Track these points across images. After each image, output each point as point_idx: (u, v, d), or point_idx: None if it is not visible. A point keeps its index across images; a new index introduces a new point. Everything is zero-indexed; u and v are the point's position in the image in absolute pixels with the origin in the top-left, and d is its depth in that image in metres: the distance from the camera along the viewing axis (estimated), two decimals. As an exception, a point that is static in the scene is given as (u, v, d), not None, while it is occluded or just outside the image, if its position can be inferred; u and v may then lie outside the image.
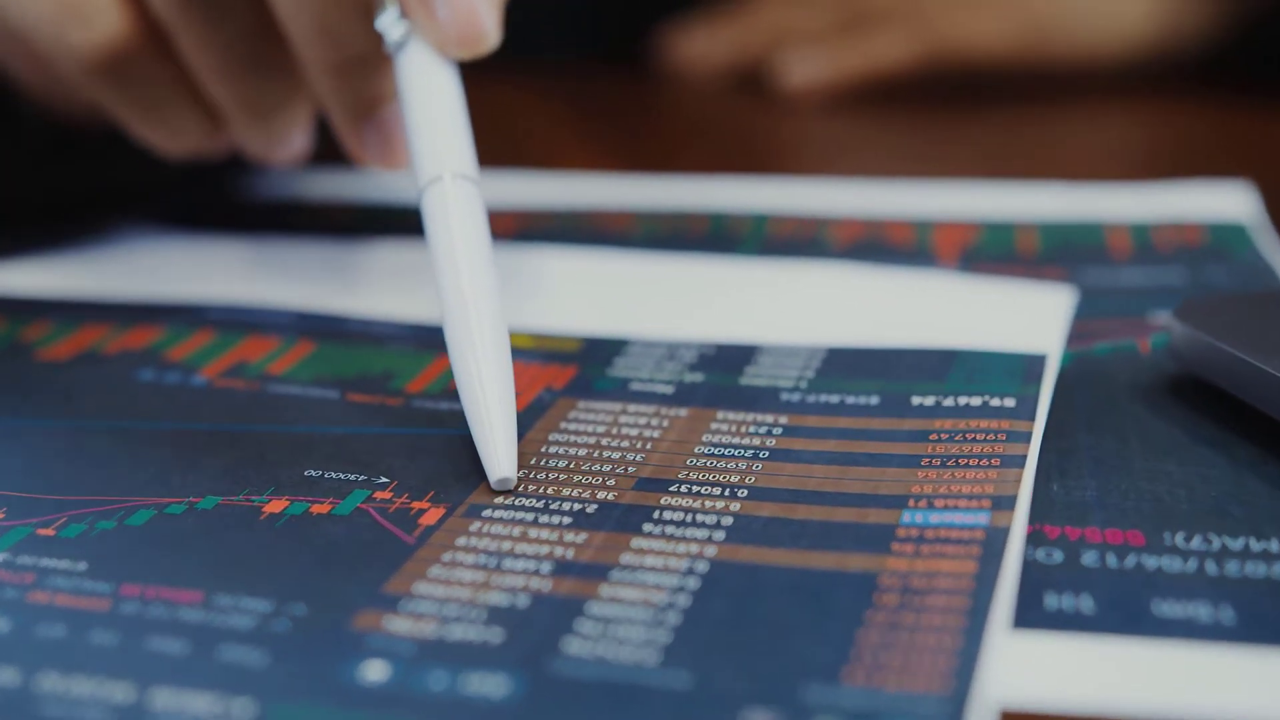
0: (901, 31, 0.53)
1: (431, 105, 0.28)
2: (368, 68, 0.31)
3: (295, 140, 0.34)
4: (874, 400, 0.26)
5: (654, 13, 0.60)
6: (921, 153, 0.47)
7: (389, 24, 0.29)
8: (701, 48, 0.58)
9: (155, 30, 0.31)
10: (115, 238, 0.37)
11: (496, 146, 0.47)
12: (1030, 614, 0.20)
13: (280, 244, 0.36)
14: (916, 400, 0.26)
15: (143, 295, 0.33)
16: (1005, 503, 0.22)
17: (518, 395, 0.26)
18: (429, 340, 0.30)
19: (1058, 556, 0.21)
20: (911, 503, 0.22)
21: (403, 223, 0.38)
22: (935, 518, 0.22)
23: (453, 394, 0.27)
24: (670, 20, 0.59)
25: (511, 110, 0.53)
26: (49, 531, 0.23)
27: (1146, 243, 0.35)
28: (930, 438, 0.25)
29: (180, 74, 0.32)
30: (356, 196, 0.41)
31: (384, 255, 0.35)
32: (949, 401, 0.26)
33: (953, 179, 0.41)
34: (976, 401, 0.26)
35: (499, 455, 0.24)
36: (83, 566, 0.21)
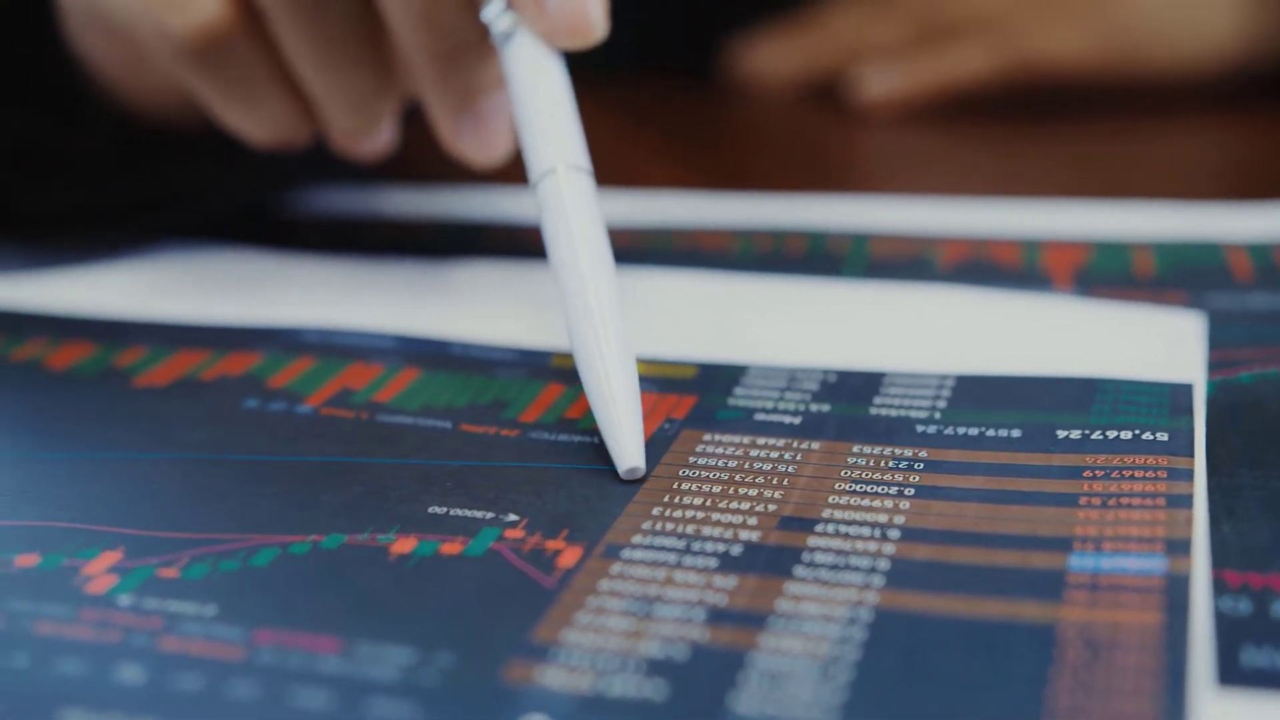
0: (981, 44, 0.52)
1: (541, 96, 0.28)
2: (470, 58, 0.31)
3: (383, 133, 0.34)
4: (1016, 433, 0.25)
5: (720, 26, 0.59)
6: (1010, 169, 0.46)
7: (495, 14, 0.29)
8: (770, 61, 0.57)
9: (253, 15, 0.31)
10: (184, 251, 0.36)
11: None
12: (1230, 672, 0.18)
13: (362, 263, 0.35)
14: (1062, 433, 0.25)
15: (232, 318, 0.32)
16: (1180, 546, 0.21)
17: None
18: (537, 366, 0.29)
19: (1245, 607, 0.20)
20: (1078, 545, 0.21)
21: (485, 242, 0.37)
22: (1106, 563, 0.21)
23: (570, 425, 0.26)
24: (737, 33, 0.58)
25: (586, 125, 0.52)
26: (172, 573, 0.21)
27: (1269, 264, 0.34)
28: (1084, 474, 0.23)
29: (275, 60, 0.32)
30: (433, 213, 0.40)
31: (475, 274, 0.34)
32: (1097, 435, 0.25)
33: (1053, 197, 0.40)
34: (1127, 435, 0.25)
35: (627, 443, 0.24)
36: (212, 611, 0.20)
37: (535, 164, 0.27)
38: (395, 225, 0.39)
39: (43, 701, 0.18)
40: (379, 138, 0.34)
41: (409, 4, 0.29)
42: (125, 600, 0.21)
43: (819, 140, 0.51)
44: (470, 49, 0.30)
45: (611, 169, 0.46)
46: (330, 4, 0.30)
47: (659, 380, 0.28)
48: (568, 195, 0.27)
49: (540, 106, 0.28)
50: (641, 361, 0.29)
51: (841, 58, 0.55)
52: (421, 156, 0.40)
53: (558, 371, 0.29)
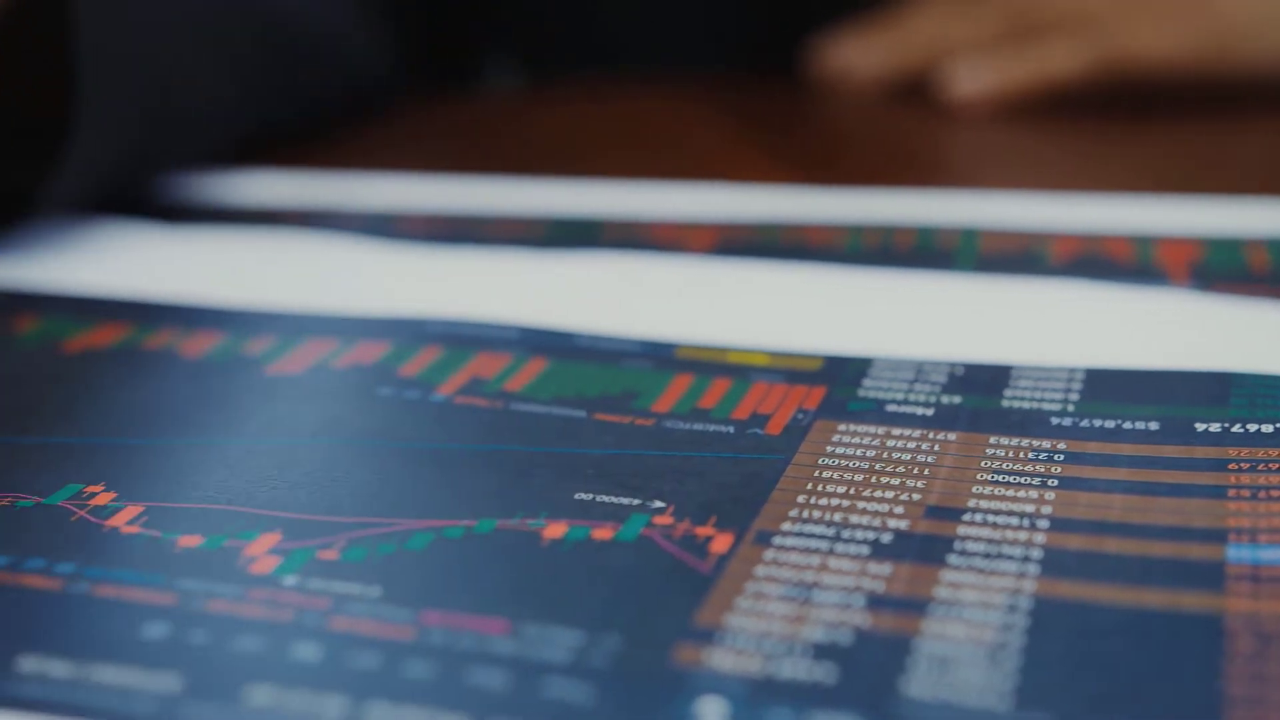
0: (1073, 41, 0.52)
1: None
2: None
3: None
4: (1154, 426, 0.25)
5: (804, 24, 0.59)
6: (1106, 165, 0.45)
7: None
8: (856, 58, 0.57)
9: None
10: (296, 240, 0.37)
11: (672, 159, 0.47)
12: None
13: (479, 254, 0.36)
14: (1201, 426, 0.25)
15: (354, 308, 0.32)
16: (1337, 539, 0.21)
17: (767, 414, 0.26)
18: (662, 358, 0.29)
19: None
20: (1233, 537, 0.21)
21: (604, 236, 0.37)
22: (1265, 554, 0.21)
23: (703, 415, 0.27)
24: (821, 31, 0.59)
25: (678, 122, 0.52)
26: (332, 555, 0.22)
27: (1386, 261, 0.34)
28: (1229, 467, 0.23)
29: None
30: (550, 208, 0.40)
31: (595, 267, 0.35)
32: (1238, 429, 0.25)
33: (1159, 192, 0.40)
34: (1269, 429, 0.25)
35: None
36: (376, 592, 0.21)
37: None
38: (511, 220, 0.40)
39: (228, 677, 0.19)
40: None
41: None
42: (290, 580, 0.21)
43: (910, 137, 0.51)
44: None
45: (709, 164, 0.46)
46: None
47: (785, 371, 0.28)
48: None
49: None
50: (766, 353, 0.29)
51: (929, 55, 0.55)
52: (548, 149, 0.40)
53: (684, 363, 0.29)
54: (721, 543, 0.22)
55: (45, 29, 0.38)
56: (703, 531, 0.22)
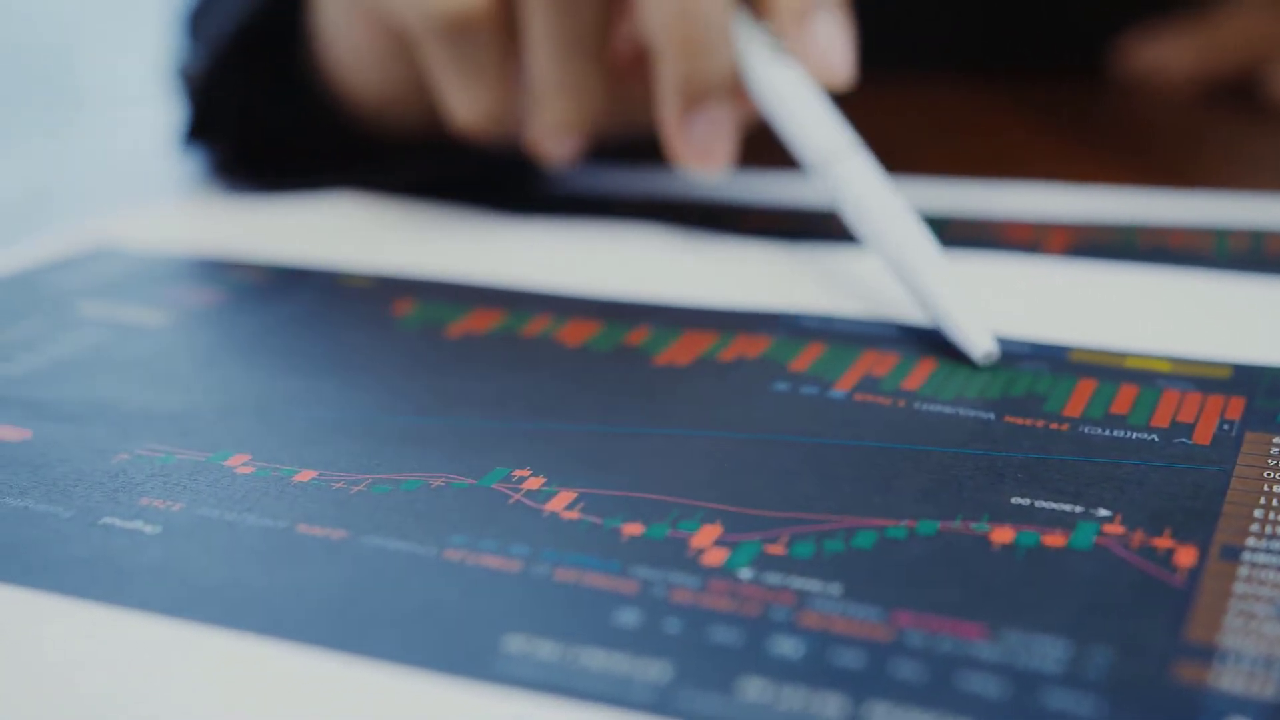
0: None
1: (806, 93, 0.33)
2: (717, 56, 0.34)
3: (576, 141, 0.37)
4: None
5: (1111, 23, 0.58)
6: None
7: (750, 33, 0.34)
8: (1171, 57, 0.55)
9: (508, 3, 0.35)
10: (637, 233, 0.37)
11: (986, 155, 0.46)
12: None
13: (813, 248, 0.35)
14: None
15: (716, 301, 0.32)
16: None
17: (1189, 425, 0.26)
18: (1057, 360, 0.28)
19: None
20: None
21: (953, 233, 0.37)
22: None
23: (1120, 421, 0.26)
24: (1130, 30, 0.57)
25: (992, 121, 0.51)
26: (779, 549, 0.22)
27: None
28: None
29: (512, 47, 0.36)
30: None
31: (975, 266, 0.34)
32: None
33: None
34: None
35: (976, 328, 0.28)
36: (837, 590, 0.20)
37: (821, 148, 0.32)
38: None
39: (718, 669, 0.19)
40: (570, 145, 0.37)
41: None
42: (746, 574, 0.21)
43: (1238, 137, 0.49)
44: (719, 47, 0.34)
45: (1037, 163, 0.45)
46: (584, 2, 0.34)
47: (1195, 379, 0.27)
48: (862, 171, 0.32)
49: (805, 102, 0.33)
50: (1170, 360, 0.28)
51: (1249, 54, 0.53)
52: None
53: (1081, 366, 0.28)
54: (1186, 556, 0.21)
55: None
56: (1160, 543, 0.21)
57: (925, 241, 0.30)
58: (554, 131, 0.37)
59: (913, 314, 0.31)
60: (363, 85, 0.41)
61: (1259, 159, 0.47)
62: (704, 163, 0.35)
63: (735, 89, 0.35)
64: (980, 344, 0.28)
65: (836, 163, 0.32)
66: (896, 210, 0.31)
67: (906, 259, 0.30)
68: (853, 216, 0.32)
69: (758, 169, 0.44)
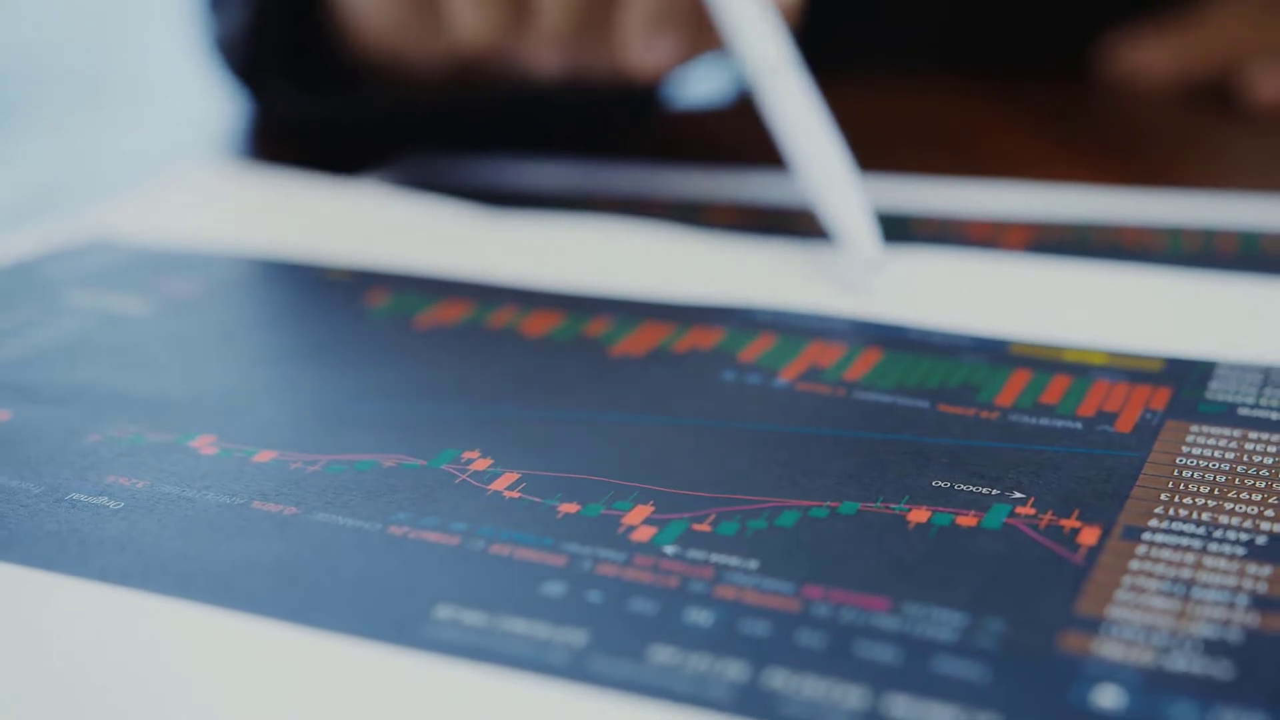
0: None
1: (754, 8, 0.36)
2: None
3: (671, 42, 0.39)
4: None
5: (1094, 22, 0.58)
6: None
7: None
8: (1154, 58, 0.56)
9: None
10: (616, 228, 0.38)
11: (967, 154, 0.47)
12: None
13: (782, 243, 0.37)
14: None
15: (677, 295, 0.33)
16: None
17: (1114, 412, 0.26)
18: (997, 352, 0.29)
19: None
20: None
21: (918, 230, 0.38)
22: None
23: (1048, 410, 0.27)
24: (1113, 30, 0.57)
25: (969, 117, 0.52)
26: (705, 527, 0.23)
27: None
28: None
29: None
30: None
31: (919, 261, 0.35)
32: None
33: None
34: None
35: (864, 236, 0.32)
36: (754, 565, 0.22)
37: (760, 61, 0.36)
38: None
39: (631, 636, 0.20)
40: (671, 43, 0.39)
41: None
42: (670, 550, 0.22)
43: (1214, 138, 0.50)
44: None
45: (1015, 162, 0.46)
46: None
47: (1127, 371, 0.28)
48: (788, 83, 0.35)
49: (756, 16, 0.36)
50: (1105, 352, 0.29)
51: (1231, 55, 0.54)
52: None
53: (1020, 359, 0.29)
54: (1089, 535, 0.22)
55: None
56: (1067, 524, 0.23)
57: (836, 157, 0.34)
58: (647, 29, 0.39)
59: (865, 308, 0.32)
60: (380, 26, 0.44)
61: (1238, 159, 0.48)
62: (655, 64, 0.39)
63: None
64: (864, 250, 0.32)
65: (772, 76, 0.35)
66: (816, 127, 0.34)
67: (815, 170, 0.34)
68: (779, 129, 0.36)
69: (728, 167, 0.45)
